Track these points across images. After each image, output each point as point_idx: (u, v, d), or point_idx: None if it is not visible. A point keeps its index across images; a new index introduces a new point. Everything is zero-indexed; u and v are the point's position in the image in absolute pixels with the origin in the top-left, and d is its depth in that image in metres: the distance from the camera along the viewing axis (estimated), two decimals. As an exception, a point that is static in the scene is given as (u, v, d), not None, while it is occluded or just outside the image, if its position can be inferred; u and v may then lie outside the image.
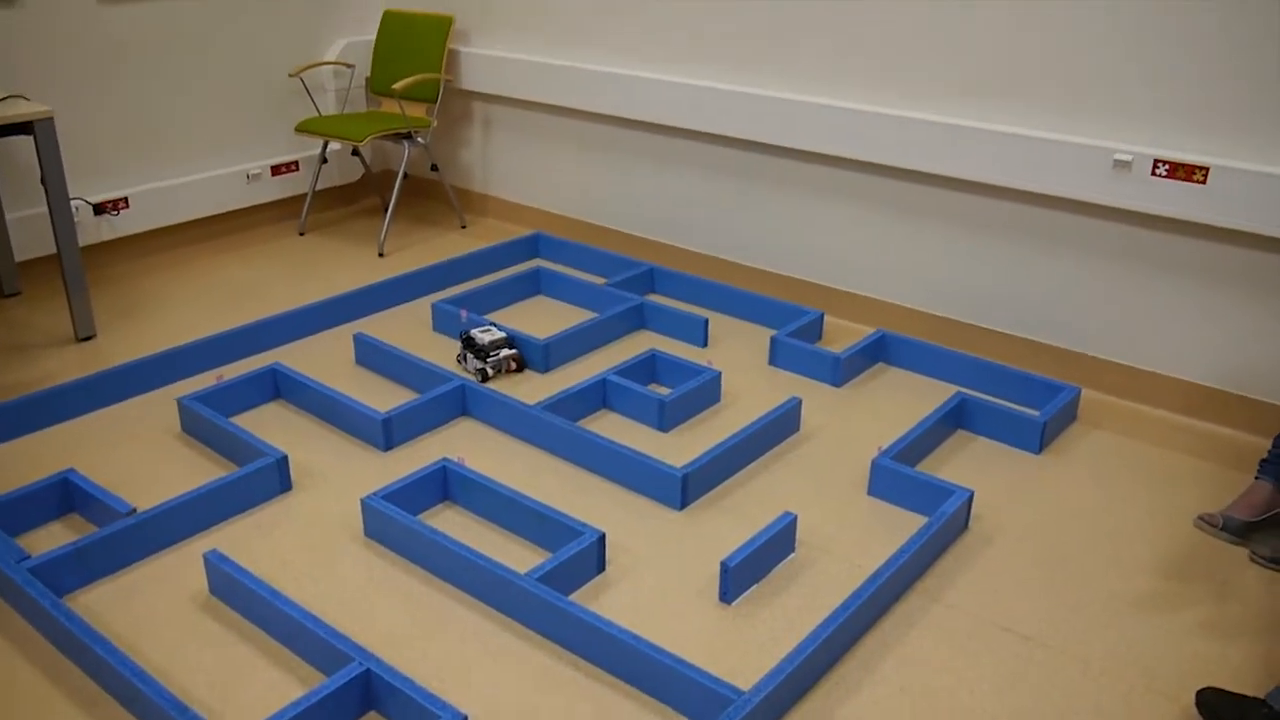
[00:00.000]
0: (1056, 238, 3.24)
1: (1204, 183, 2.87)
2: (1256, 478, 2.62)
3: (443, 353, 3.45)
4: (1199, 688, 2.08)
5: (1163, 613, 2.33)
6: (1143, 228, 3.08)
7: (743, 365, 3.41)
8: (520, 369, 3.30)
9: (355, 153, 4.73)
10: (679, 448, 2.93)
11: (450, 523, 2.60)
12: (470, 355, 3.26)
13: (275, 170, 4.52)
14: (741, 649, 2.19)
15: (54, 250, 3.68)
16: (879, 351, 3.44)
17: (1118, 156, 2.98)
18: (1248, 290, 2.96)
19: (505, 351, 3.26)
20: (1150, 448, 2.99)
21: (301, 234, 4.55)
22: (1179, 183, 2.91)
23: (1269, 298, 2.93)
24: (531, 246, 4.30)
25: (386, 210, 4.44)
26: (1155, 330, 3.15)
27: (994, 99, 3.22)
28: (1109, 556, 2.51)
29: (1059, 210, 3.21)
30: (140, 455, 2.86)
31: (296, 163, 4.59)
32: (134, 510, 2.50)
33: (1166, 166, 2.92)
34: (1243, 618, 2.32)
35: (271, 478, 2.66)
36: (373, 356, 3.33)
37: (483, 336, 3.28)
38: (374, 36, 4.65)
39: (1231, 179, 2.83)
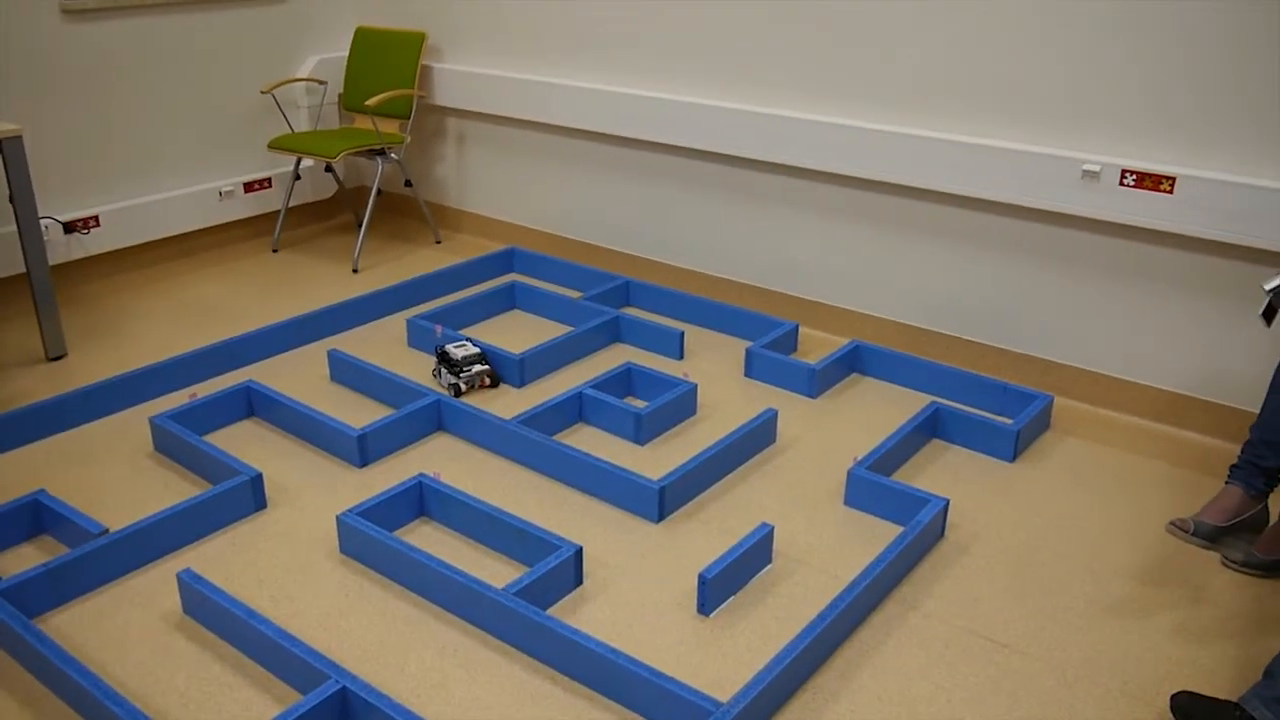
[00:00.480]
0: (1027, 248, 3.27)
1: (1171, 192, 2.91)
2: (1227, 483, 2.65)
3: (418, 368, 3.44)
4: (1173, 692, 2.10)
5: (1136, 618, 2.35)
6: (1112, 237, 3.11)
7: (718, 377, 3.42)
8: (494, 385, 3.30)
9: (328, 169, 4.72)
10: (655, 460, 2.93)
11: (427, 538, 2.59)
12: (444, 370, 3.26)
13: (248, 187, 4.50)
14: (720, 660, 2.19)
15: (24, 269, 3.65)
16: (854, 362, 3.46)
17: (1086, 167, 3.02)
18: (1216, 298, 3.00)
19: (478, 367, 3.25)
20: (1122, 454, 3.02)
21: (275, 251, 4.53)
22: (1147, 192, 2.95)
23: (1236, 305, 2.97)
24: (506, 261, 4.30)
25: (360, 226, 4.43)
26: (1126, 338, 3.19)
27: (963, 112, 3.25)
28: (1083, 563, 2.53)
29: (1029, 221, 3.24)
30: (112, 475, 2.83)
31: (269, 180, 4.58)
32: (106, 531, 2.47)
33: (1134, 176, 2.96)
34: (1215, 622, 2.34)
35: (245, 496, 2.64)
36: (347, 373, 3.31)
37: (457, 351, 3.27)
38: (346, 53, 4.65)
39: (1198, 188, 2.87)
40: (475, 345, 3.34)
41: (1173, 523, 2.64)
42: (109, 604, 2.34)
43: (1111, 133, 3.02)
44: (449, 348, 3.29)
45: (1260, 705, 1.92)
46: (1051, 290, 3.27)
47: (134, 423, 3.10)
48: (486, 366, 3.28)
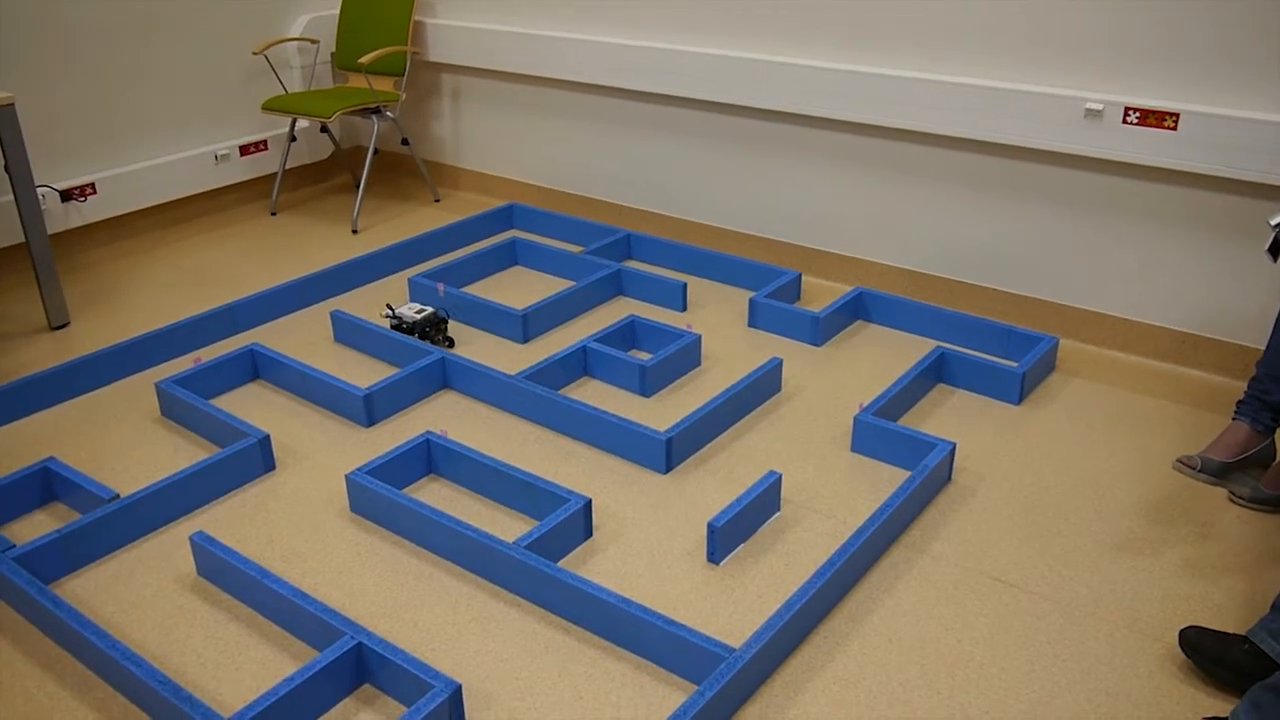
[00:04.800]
0: (1030, 189, 3.25)
1: (1175, 129, 2.88)
2: (1233, 419, 2.64)
3: (421, 327, 3.44)
4: (1182, 627, 2.11)
5: (1144, 555, 2.36)
6: (1115, 176, 3.09)
7: (722, 328, 3.41)
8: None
9: (324, 129, 4.68)
10: (662, 412, 2.94)
11: (436, 495, 2.60)
12: (427, 331, 3.28)
13: (244, 150, 4.47)
14: (731, 608, 2.21)
15: (22, 239, 3.64)
16: (858, 309, 3.45)
17: (1089, 105, 2.99)
18: (1220, 234, 2.98)
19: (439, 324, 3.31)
20: (1128, 394, 3.02)
21: (273, 214, 4.51)
22: (1150, 130, 2.92)
23: (1241, 240, 2.95)
24: (506, 217, 4.28)
25: (358, 187, 4.41)
26: (1130, 278, 3.17)
27: (963, 52, 3.21)
28: (1090, 502, 2.54)
29: (1031, 162, 3.21)
30: (121, 441, 2.84)
31: (265, 142, 4.54)
32: (117, 496, 2.49)
33: (1137, 114, 2.93)
34: (1223, 557, 2.35)
35: (254, 458, 2.65)
36: (351, 333, 3.31)
37: (416, 315, 3.27)
38: (338, 10, 4.60)
39: (1202, 124, 2.84)
40: (419, 305, 3.36)
41: (1179, 460, 2.64)
42: (123, 568, 2.36)
43: (1114, 70, 2.98)
44: (403, 312, 3.29)
45: (1268, 637, 1.93)
46: (1055, 232, 3.25)
47: (140, 389, 3.10)
48: (443, 320, 3.31)
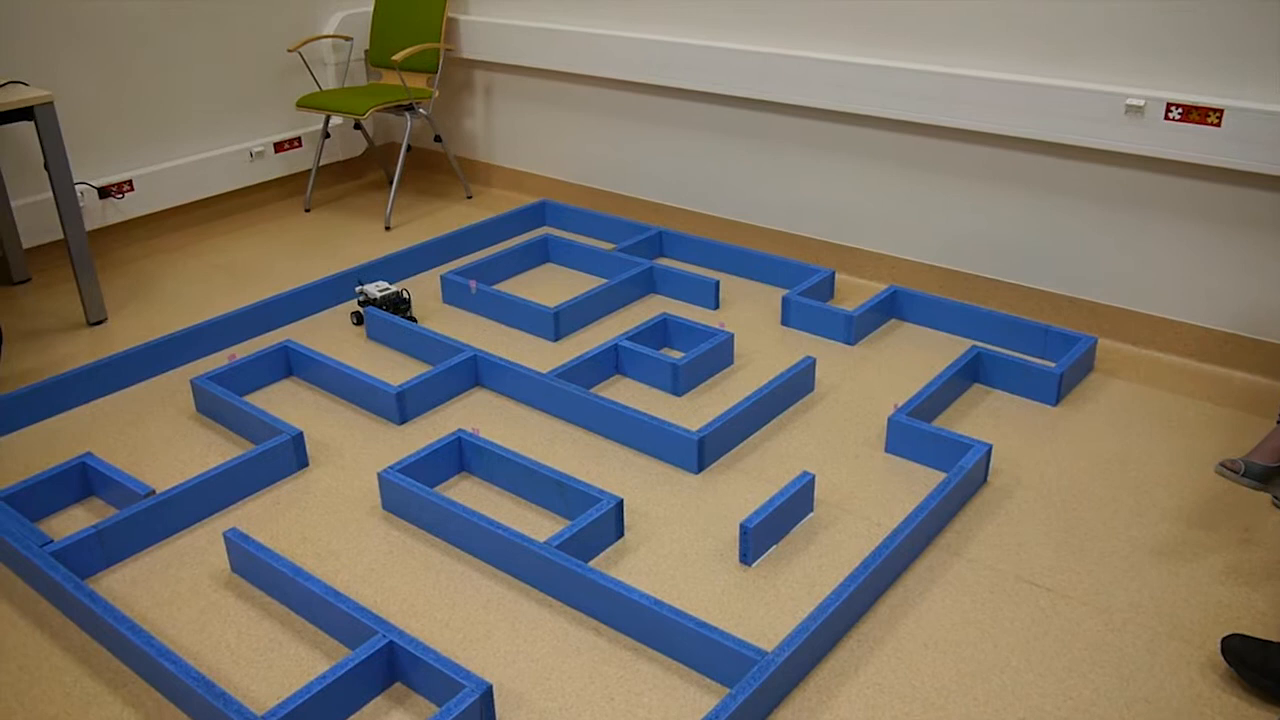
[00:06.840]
0: (1068, 186, 3.20)
1: (1218, 125, 2.83)
2: (1278, 422, 2.59)
3: (454, 324, 3.44)
4: (1223, 635, 2.07)
5: (1185, 561, 2.32)
6: (1156, 173, 3.04)
7: (755, 326, 3.39)
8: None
9: (358, 126, 4.70)
10: (694, 411, 2.92)
11: (467, 494, 2.60)
12: (391, 308, 3.46)
13: (278, 147, 4.50)
14: (763, 610, 2.19)
15: (61, 236, 3.68)
16: (892, 308, 3.42)
17: (1130, 101, 2.94)
18: (1265, 232, 2.92)
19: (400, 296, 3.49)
20: (1169, 395, 2.97)
21: (307, 210, 4.53)
22: (1193, 126, 2.87)
23: (1286, 240, 2.90)
24: (538, 215, 4.27)
25: (391, 183, 4.42)
26: (1171, 277, 3.12)
27: (1002, 47, 3.17)
28: (1129, 506, 2.50)
29: (1070, 158, 3.17)
30: (156, 437, 2.86)
31: (299, 139, 4.57)
32: (152, 492, 2.50)
33: (1180, 110, 2.88)
34: (1266, 563, 2.30)
35: (288, 455, 2.66)
36: (384, 331, 3.32)
37: (378, 292, 3.45)
38: (371, 8, 4.61)
39: (1247, 120, 2.78)
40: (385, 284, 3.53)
41: (1222, 463, 2.59)
42: (158, 564, 2.37)
43: (1156, 65, 2.93)
44: (369, 289, 3.46)
45: (1314, 646, 1.89)
46: (1094, 230, 3.20)
47: (175, 385, 3.13)
48: (405, 301, 3.49)
